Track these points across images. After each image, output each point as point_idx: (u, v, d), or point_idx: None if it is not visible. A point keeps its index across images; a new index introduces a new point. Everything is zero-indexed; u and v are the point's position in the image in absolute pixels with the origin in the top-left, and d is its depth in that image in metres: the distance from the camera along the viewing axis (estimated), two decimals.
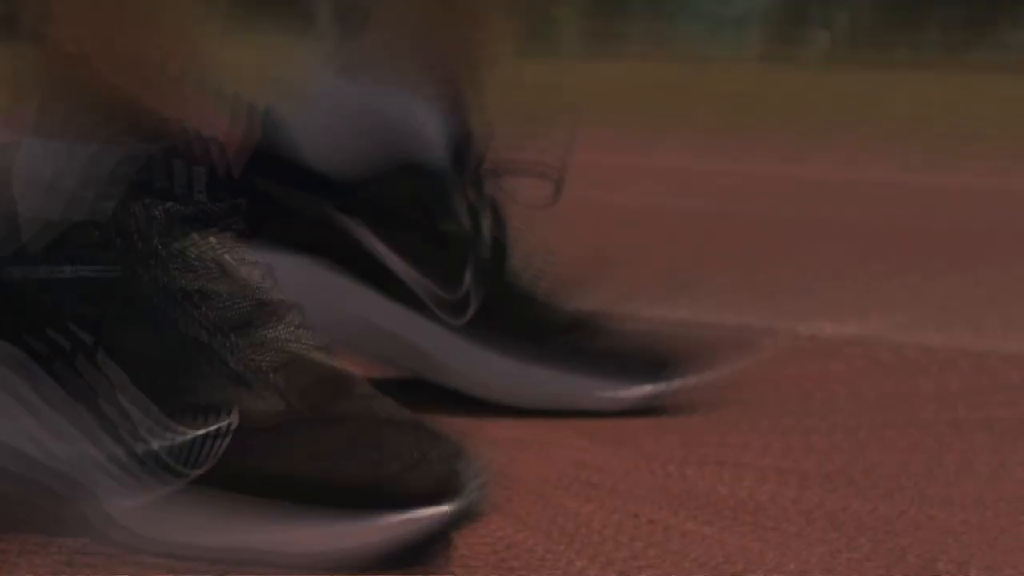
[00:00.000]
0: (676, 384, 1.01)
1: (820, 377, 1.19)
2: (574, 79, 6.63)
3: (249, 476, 0.74)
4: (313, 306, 0.92)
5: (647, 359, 1.02)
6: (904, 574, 0.76)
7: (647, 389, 1.01)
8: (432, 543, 0.73)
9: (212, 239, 0.81)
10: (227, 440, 0.75)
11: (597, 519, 0.85)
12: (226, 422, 0.75)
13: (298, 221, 0.99)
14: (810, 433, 1.01)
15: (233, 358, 0.78)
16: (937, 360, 1.29)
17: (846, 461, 0.96)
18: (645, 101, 5.36)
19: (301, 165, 0.99)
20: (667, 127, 4.30)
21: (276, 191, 1.00)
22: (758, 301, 1.50)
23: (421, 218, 1.00)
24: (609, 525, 0.83)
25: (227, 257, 0.82)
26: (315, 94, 1.00)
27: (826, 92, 5.96)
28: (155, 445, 0.74)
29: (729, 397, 1.05)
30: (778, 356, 1.23)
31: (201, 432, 0.75)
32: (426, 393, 0.99)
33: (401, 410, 0.80)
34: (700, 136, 4.08)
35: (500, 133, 1.02)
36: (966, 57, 9.11)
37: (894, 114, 4.78)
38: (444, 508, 0.73)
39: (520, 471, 0.90)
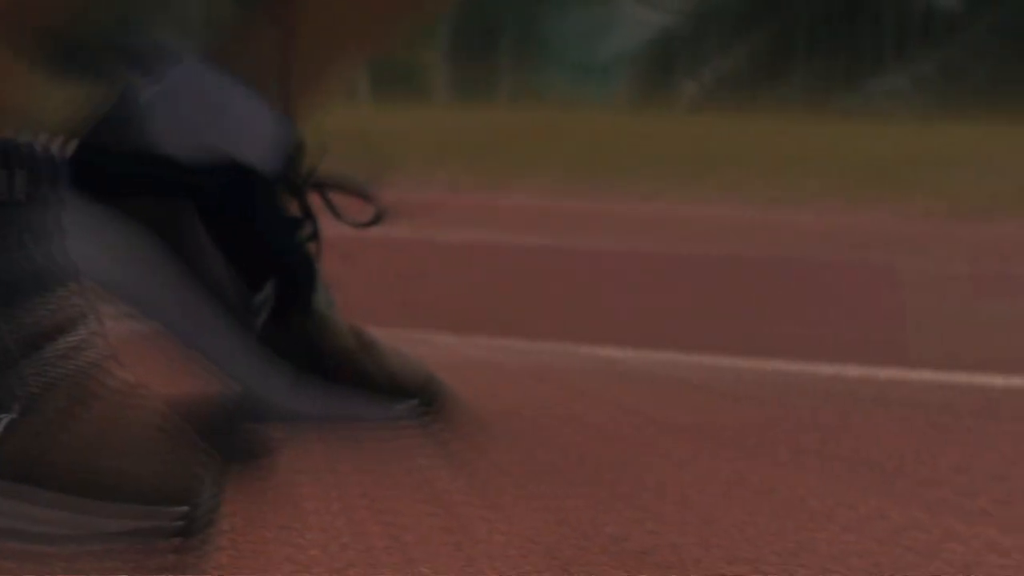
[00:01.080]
0: (435, 403, 1.02)
1: (603, 399, 1.20)
2: (443, 123, 6.70)
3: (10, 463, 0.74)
4: (126, 275, 0.95)
5: (413, 379, 1.03)
6: None
7: (411, 405, 1.01)
8: (166, 539, 0.72)
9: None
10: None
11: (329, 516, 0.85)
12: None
13: (134, 193, 0.99)
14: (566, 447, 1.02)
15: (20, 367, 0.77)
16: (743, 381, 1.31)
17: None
18: (510, 144, 5.41)
19: (147, 144, 0.99)
20: (528, 169, 4.35)
21: (119, 163, 1.00)
22: (555, 330, 1.51)
23: (243, 217, 1.00)
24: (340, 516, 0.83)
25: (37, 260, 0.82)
26: (176, 75, 1.00)
27: (689, 136, 6.07)
28: None
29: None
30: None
31: None
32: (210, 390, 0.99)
33: (164, 416, 0.79)
34: (560, 177, 4.13)
35: (341, 161, 1.03)
36: (828, 104, 9.34)
37: (754, 157, 4.89)
38: (180, 509, 0.73)
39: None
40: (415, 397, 1.01)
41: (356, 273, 1.05)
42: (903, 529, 0.82)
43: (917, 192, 3.80)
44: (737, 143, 5.67)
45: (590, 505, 0.86)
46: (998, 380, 1.29)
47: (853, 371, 1.33)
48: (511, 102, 9.31)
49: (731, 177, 4.07)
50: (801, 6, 11.44)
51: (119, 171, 0.99)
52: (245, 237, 1.00)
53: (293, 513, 0.85)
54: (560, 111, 8.02)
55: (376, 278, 1.13)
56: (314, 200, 1.03)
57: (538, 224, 2.85)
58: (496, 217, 2.97)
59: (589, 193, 3.65)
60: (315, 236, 1.03)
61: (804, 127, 7.20)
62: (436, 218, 2.54)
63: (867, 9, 11.22)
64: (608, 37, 11.18)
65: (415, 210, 1.10)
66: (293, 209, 1.02)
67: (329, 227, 1.02)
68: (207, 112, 0.99)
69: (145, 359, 0.91)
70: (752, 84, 11.35)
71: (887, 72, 10.78)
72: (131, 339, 0.92)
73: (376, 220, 1.01)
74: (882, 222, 3.13)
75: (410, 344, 1.03)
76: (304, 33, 1.03)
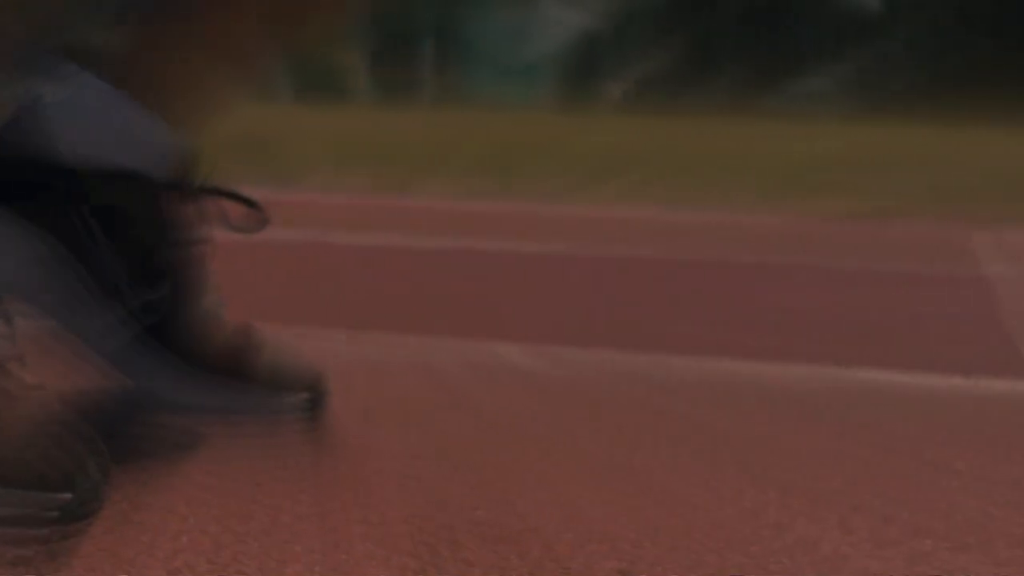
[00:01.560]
0: (322, 398, 1.06)
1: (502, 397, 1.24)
2: (362, 125, 6.70)
3: None
4: (25, 277, 0.99)
5: (300, 375, 1.06)
6: None
7: (299, 399, 1.05)
8: (46, 525, 0.75)
9: None
10: None
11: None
12: None
13: (31, 198, 1.02)
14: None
15: None
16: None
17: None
18: (426, 146, 5.43)
19: (47, 148, 1.02)
20: (442, 171, 4.38)
21: (14, 169, 1.03)
22: (448, 327, 1.55)
23: (137, 220, 1.03)
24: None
25: None
26: (78, 86, 1.03)
27: (610, 138, 6.10)
28: None
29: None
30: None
31: None
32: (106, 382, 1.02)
33: (53, 409, 0.82)
34: (475, 180, 4.16)
35: (248, 165, 1.06)
36: (750, 106, 9.43)
37: (673, 159, 4.94)
38: (59, 496, 0.76)
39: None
40: (302, 392, 1.05)
41: (256, 275, 1.08)
42: (757, 509, 0.87)
43: (831, 193, 3.87)
44: (658, 144, 5.72)
45: (466, 490, 0.90)
46: (872, 375, 1.35)
47: (729, 364, 1.39)
48: (433, 104, 9.33)
49: (647, 178, 4.13)
50: (725, 8, 11.54)
51: (15, 177, 1.02)
52: (137, 240, 1.04)
53: (176, 498, 0.88)
54: (482, 113, 8.04)
55: (276, 279, 1.17)
56: (208, 206, 1.07)
57: (445, 226, 2.89)
58: (405, 219, 3.00)
59: (502, 195, 3.69)
60: (206, 240, 1.07)
61: (726, 128, 7.28)
62: (341, 220, 2.58)
63: (791, 11, 11.34)
64: (531, 39, 11.21)
65: (319, 212, 1.13)
66: (187, 214, 1.06)
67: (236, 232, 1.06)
68: (101, 122, 1.03)
69: (46, 357, 0.95)
70: (675, 85, 11.42)
71: (810, 74, 10.89)
72: (33, 337, 0.95)
73: (257, 227, 1.06)
74: (791, 224, 3.19)
75: (305, 340, 1.07)
76: (201, 42, 1.06)
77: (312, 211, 0.93)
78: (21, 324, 0.93)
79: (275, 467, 0.96)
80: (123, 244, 1.04)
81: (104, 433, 0.84)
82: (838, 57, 11.14)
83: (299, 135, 4.38)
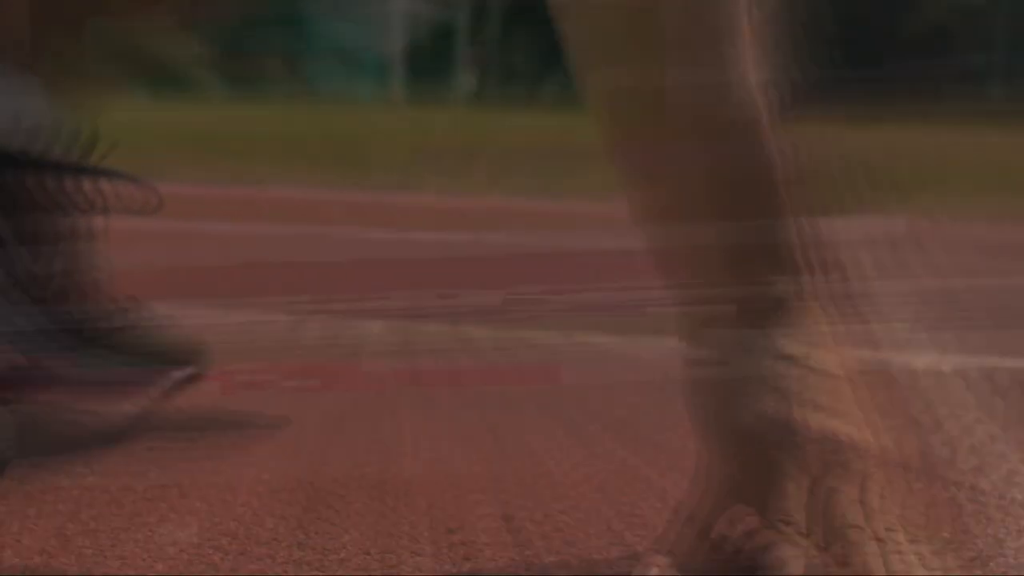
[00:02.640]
0: (203, 368, 1.09)
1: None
2: (209, 120, 6.65)
3: None
4: None
5: (183, 348, 1.09)
6: None
7: (185, 372, 1.08)
8: None
9: None
10: None
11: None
12: None
13: None
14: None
15: None
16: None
17: None
18: (275, 140, 5.42)
19: None
20: (289, 163, 4.39)
21: None
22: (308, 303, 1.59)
23: (29, 196, 1.04)
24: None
25: None
26: None
27: (460, 130, 6.13)
28: None
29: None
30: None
31: None
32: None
33: None
34: (321, 171, 4.17)
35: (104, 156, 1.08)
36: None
37: (521, 150, 4.98)
38: None
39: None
40: (184, 364, 1.08)
41: (128, 257, 1.10)
42: (583, 461, 0.94)
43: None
44: (507, 136, 5.75)
45: (353, 453, 0.95)
46: None
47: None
48: (285, 99, 9.28)
49: (492, 169, 4.17)
50: None
51: None
52: (22, 218, 1.05)
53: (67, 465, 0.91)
54: (333, 106, 8.02)
55: (144, 262, 1.20)
56: (100, 186, 1.09)
57: (287, 215, 2.92)
58: (255, 209, 3.02)
59: (347, 184, 3.71)
60: (91, 220, 1.09)
61: (582, 119, 7.29)
62: (194, 209, 2.60)
63: None
64: (384, 32, 11.20)
65: (177, 202, 1.16)
66: (72, 194, 1.07)
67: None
68: None
69: None
70: (528, 78, 11.48)
71: None
72: None
73: (151, 210, 1.07)
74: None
75: (181, 317, 1.09)
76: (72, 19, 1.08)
77: (166, 200, 0.96)
78: None
79: (170, 434, 1.00)
80: (13, 222, 1.05)
81: None
82: None
83: (150, 130, 4.35)
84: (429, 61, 11.70)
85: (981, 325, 1.62)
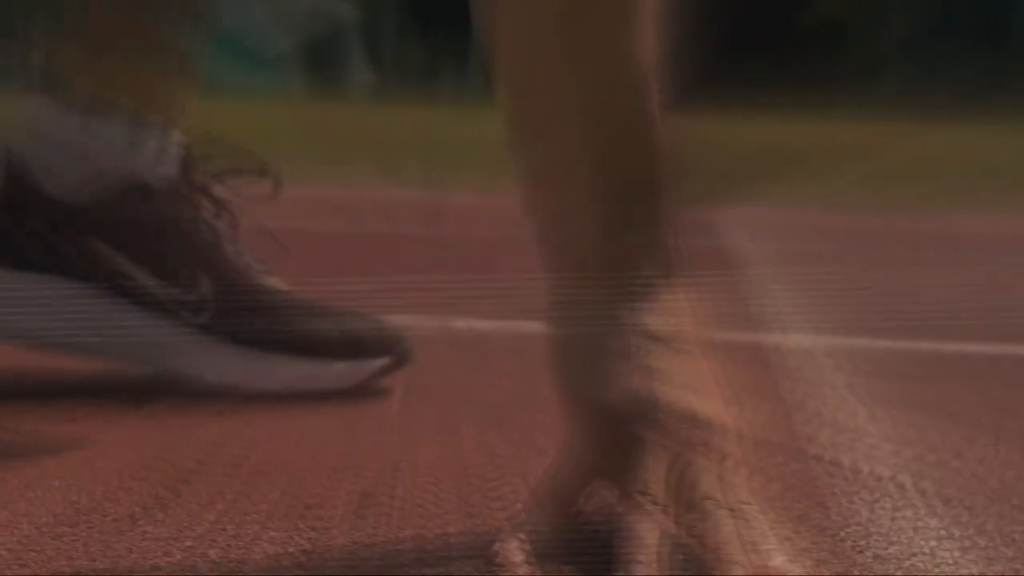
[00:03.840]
0: (402, 359, 1.07)
1: None
2: None
3: None
4: (59, 319, 1.02)
5: (371, 338, 1.07)
6: None
7: (377, 364, 1.05)
8: None
9: None
10: None
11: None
12: None
13: (43, 243, 1.02)
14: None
15: None
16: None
17: None
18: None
19: (42, 194, 1.02)
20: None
21: (23, 219, 1.03)
22: None
23: (154, 229, 1.03)
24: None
25: None
26: (45, 129, 1.03)
27: (359, 125, 6.12)
28: None
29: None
30: None
31: None
32: (179, 389, 1.03)
33: None
34: (214, 164, 4.14)
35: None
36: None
37: (418, 144, 4.99)
38: None
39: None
40: (378, 356, 1.05)
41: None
42: (448, 442, 0.95)
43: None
44: (403, 131, 5.76)
45: (213, 432, 0.95)
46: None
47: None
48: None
49: (386, 162, 4.18)
50: None
51: (22, 225, 1.02)
52: (164, 246, 1.04)
53: None
54: (232, 101, 7.94)
55: None
56: (217, 190, 1.08)
57: None
58: None
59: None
60: (234, 224, 1.07)
61: (479, 114, 7.33)
62: None
63: None
64: (283, 26, 11.16)
65: None
66: (201, 205, 1.06)
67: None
68: (85, 149, 1.03)
69: None
70: (428, 74, 11.50)
71: None
72: None
73: (275, 192, 1.06)
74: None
75: None
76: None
77: None
78: None
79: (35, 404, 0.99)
80: (148, 257, 1.04)
81: None
82: None
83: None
84: (327, 55, 11.66)
85: (847, 306, 1.65)
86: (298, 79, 11.19)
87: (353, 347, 1.07)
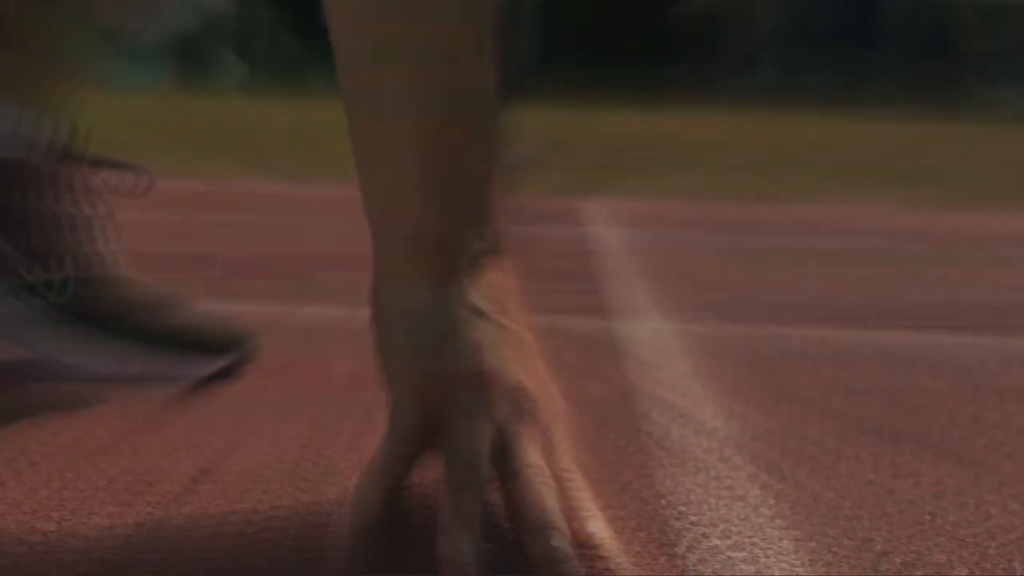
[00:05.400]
0: (247, 356, 1.07)
1: None
2: None
3: None
4: None
5: (220, 335, 1.07)
6: None
7: (222, 361, 1.06)
8: None
9: None
10: None
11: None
12: None
13: None
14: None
15: None
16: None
17: None
18: None
19: None
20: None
21: None
22: None
23: (23, 206, 1.02)
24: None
25: None
26: None
27: (230, 118, 6.09)
28: None
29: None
30: None
31: None
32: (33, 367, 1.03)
33: None
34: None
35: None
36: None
37: (291, 136, 4.97)
38: None
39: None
40: (225, 353, 1.06)
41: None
42: (289, 422, 0.97)
43: None
44: (269, 123, 5.73)
45: (54, 415, 0.96)
46: None
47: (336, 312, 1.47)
48: None
49: (258, 155, 4.17)
50: None
51: None
52: (32, 224, 1.03)
53: None
54: (107, 95, 7.83)
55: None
56: (90, 178, 1.07)
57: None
58: None
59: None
60: (103, 214, 1.07)
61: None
62: None
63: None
64: (157, 19, 10.98)
65: None
66: (72, 188, 1.06)
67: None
68: None
69: None
70: (301, 68, 11.42)
71: None
72: None
73: (144, 189, 1.06)
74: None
75: None
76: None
77: None
78: None
79: None
80: (15, 233, 1.03)
81: None
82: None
83: None
84: (202, 49, 11.54)
85: (707, 293, 1.69)
86: (171, 74, 11.05)
87: (201, 342, 1.08)
